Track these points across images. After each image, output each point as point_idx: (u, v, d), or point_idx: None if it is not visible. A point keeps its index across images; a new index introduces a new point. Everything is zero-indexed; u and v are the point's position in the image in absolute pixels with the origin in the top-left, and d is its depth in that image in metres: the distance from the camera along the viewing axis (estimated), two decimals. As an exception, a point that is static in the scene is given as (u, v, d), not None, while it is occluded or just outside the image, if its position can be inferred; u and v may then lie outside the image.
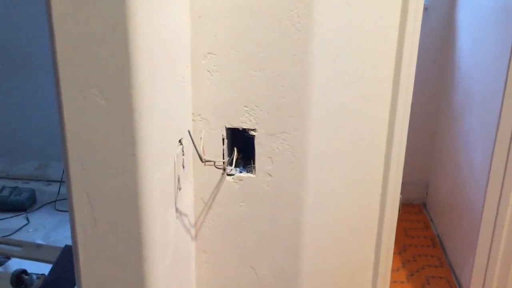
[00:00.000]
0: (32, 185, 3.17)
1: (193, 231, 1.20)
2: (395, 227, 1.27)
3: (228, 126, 1.15)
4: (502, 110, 1.60)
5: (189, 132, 1.09)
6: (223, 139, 1.16)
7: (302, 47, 1.07)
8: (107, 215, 0.90)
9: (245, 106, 1.13)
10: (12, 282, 1.89)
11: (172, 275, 1.07)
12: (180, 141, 1.07)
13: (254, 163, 1.17)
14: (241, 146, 1.20)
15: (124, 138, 0.85)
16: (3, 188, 2.98)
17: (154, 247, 0.94)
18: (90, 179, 0.89)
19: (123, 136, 0.85)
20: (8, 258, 2.28)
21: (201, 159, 1.06)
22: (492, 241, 1.65)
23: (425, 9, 2.57)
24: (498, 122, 1.61)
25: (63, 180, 0.84)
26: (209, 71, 1.12)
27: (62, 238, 2.55)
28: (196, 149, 1.08)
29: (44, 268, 2.09)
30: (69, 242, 0.97)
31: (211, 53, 1.11)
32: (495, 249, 1.64)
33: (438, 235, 2.61)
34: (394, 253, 2.48)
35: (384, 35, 1.12)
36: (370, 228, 1.21)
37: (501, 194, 1.61)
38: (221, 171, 1.17)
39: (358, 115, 1.14)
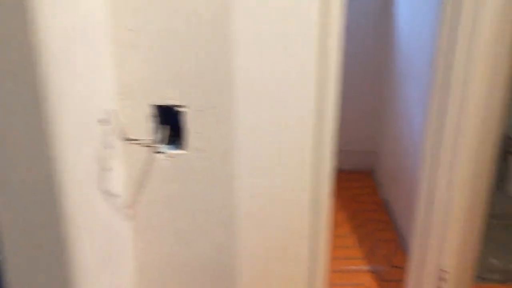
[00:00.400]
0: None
1: (127, 211, 1.19)
2: (330, 196, 1.29)
3: (155, 104, 1.14)
4: (434, 78, 1.64)
5: (111, 111, 1.06)
6: (150, 117, 1.14)
7: (224, 20, 1.06)
8: (25, 203, 0.88)
9: (171, 83, 1.11)
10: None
11: (105, 257, 1.06)
12: (104, 120, 1.04)
13: (184, 140, 1.16)
14: (171, 123, 1.18)
15: (35, 122, 0.82)
16: None
17: (79, 231, 0.92)
18: (3, 167, 0.85)
19: (33, 120, 0.82)
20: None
21: (124, 138, 1.05)
22: (428, 203, 1.71)
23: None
24: (431, 90, 1.65)
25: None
26: (132, 47, 1.09)
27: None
28: (118, 129, 1.06)
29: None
30: None
31: (132, 30, 1.08)
32: (432, 212, 1.71)
33: (385, 200, 2.70)
34: (343, 219, 2.56)
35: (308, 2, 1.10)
36: (304, 198, 1.23)
37: (435, 159, 1.66)
38: (152, 149, 1.16)
39: (286, 86, 1.14)
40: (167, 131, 1.16)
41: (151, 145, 1.13)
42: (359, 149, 2.95)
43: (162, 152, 1.16)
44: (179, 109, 1.13)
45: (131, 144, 1.09)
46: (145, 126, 1.13)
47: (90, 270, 0.99)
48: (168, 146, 1.17)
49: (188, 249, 1.20)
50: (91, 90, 0.98)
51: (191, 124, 1.14)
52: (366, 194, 2.78)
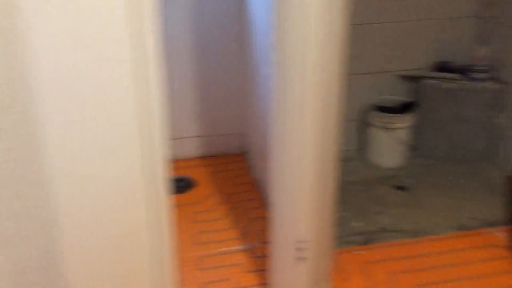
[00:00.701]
0: None
1: None
2: (167, 184, 1.27)
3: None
4: (274, 56, 1.69)
5: None
6: None
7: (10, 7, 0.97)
8: None
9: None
10: None
11: None
12: None
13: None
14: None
15: None
16: None
17: None
18: None
19: None
20: None
21: None
22: (281, 178, 1.78)
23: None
24: (272, 70, 1.71)
25: None
26: None
27: None
28: None
29: None
30: None
31: None
32: (285, 186, 1.78)
33: (258, 180, 2.77)
34: (217, 203, 2.59)
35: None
36: (136, 188, 1.20)
37: (283, 136, 1.72)
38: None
39: (97, 75, 1.08)
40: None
41: None
42: (231, 132, 2.99)
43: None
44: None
45: None
46: None
47: None
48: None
49: (6, 258, 1.12)
50: None
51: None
52: (240, 176, 2.83)
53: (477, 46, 2.77)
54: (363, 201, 2.60)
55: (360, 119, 2.96)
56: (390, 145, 2.84)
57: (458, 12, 2.82)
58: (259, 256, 2.22)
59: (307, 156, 1.71)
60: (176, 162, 2.94)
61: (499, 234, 2.32)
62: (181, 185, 2.71)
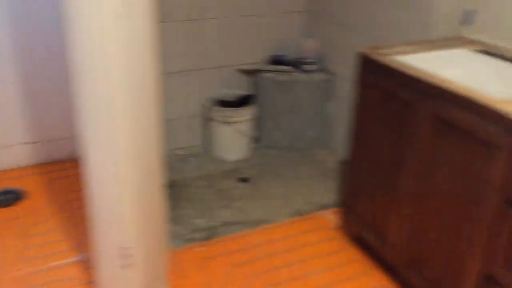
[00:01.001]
0: None
1: None
2: None
3: None
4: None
5: None
6: None
7: None
8: None
9: None
10: None
11: None
12: None
13: None
14: None
15: None
16: None
17: None
18: None
19: None
20: None
21: None
22: (97, 184, 1.70)
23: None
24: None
25: None
26: None
27: None
28: None
29: None
30: None
31: None
32: (103, 193, 1.70)
33: (98, 184, 2.64)
34: (52, 213, 2.40)
35: None
36: None
37: (97, 137, 1.64)
38: None
39: None
40: None
41: None
42: (64, 137, 2.81)
43: None
44: None
45: None
46: None
47: None
48: None
49: None
50: None
51: None
52: (76, 182, 2.63)
53: (305, 40, 2.91)
54: (206, 197, 2.60)
55: (203, 114, 2.97)
56: (232, 138, 2.89)
57: (289, 7, 2.95)
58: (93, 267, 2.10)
59: (122, 160, 1.64)
60: (2, 173, 2.68)
61: (329, 217, 2.48)
62: (8, 198, 2.47)
